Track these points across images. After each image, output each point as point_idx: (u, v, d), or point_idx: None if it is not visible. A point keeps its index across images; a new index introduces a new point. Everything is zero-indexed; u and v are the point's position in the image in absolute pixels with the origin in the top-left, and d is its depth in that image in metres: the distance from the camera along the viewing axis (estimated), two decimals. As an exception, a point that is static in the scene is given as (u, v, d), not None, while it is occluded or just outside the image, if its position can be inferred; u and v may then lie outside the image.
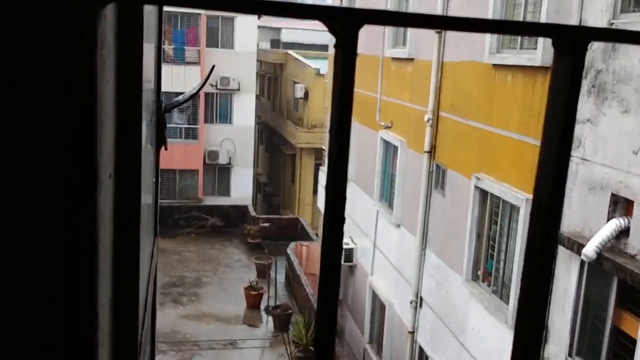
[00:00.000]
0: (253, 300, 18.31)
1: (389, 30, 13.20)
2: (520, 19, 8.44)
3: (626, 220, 6.31)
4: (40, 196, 0.58)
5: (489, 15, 8.92)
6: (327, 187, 0.57)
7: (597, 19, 6.77)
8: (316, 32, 36.58)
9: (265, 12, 0.57)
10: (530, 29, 0.73)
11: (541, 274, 0.62)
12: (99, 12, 0.58)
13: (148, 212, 1.73)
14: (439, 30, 10.63)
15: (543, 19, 7.62)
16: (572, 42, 0.63)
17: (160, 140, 1.84)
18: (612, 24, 6.57)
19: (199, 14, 26.66)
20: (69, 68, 0.55)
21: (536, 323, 0.61)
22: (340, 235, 0.58)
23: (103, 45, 0.63)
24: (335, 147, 0.59)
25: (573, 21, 7.07)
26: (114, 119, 0.81)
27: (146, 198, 1.65)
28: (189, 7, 0.57)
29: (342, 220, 0.59)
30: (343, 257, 15.42)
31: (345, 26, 0.59)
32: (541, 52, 7.60)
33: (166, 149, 1.93)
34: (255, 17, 28.07)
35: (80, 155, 0.58)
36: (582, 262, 6.85)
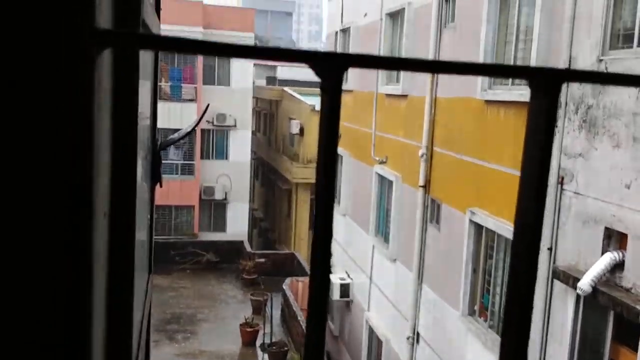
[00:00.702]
0: (249, 337, 18.11)
1: (382, 66, 13.37)
2: (511, 56, 8.58)
3: (620, 254, 6.32)
4: (34, 236, 0.59)
5: (481, 53, 9.06)
6: (316, 216, 0.59)
7: (586, 55, 6.89)
8: (311, 70, 36.96)
9: (256, 57, 0.60)
10: (506, 71, 0.77)
11: (525, 298, 0.63)
12: (96, 57, 0.60)
13: (143, 249, 1.74)
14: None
15: (533, 56, 7.75)
16: (546, 83, 0.66)
17: (155, 177, 1.86)
18: (601, 60, 6.68)
19: (196, 51, 26.92)
20: (64, 113, 0.57)
21: (521, 346, 0.62)
22: (328, 262, 0.60)
23: (100, 89, 0.66)
24: (323, 187, 0.60)
25: (563, 58, 7.19)
26: (109, 159, 0.84)
27: (141, 235, 1.67)
28: (183, 53, 0.60)
29: (330, 237, 0.61)
30: (339, 292, 15.32)
31: (330, 69, 0.62)
32: (532, 87, 7.70)
33: (161, 186, 1.95)
34: (251, 54, 28.37)
35: (75, 195, 0.60)
36: (578, 296, 6.84)
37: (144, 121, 1.87)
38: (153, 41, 0.63)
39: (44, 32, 0.56)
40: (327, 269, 0.61)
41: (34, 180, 0.58)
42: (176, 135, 2.72)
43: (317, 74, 0.62)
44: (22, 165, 0.57)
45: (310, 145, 26.64)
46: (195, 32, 26.79)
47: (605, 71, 6.26)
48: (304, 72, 38.19)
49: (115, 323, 1.00)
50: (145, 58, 2.01)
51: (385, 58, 0.64)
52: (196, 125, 3.04)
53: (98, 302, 0.75)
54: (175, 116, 25.37)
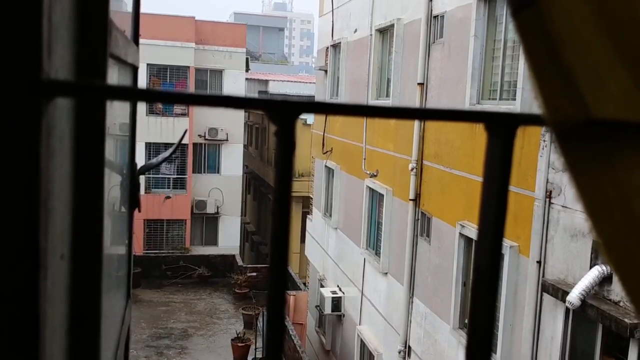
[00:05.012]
0: (240, 352, 18.02)
1: (373, 81, 13.43)
2: (499, 71, 8.63)
3: (608, 267, 6.34)
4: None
5: (469, 68, 9.12)
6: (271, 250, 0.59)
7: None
8: (302, 84, 37.12)
9: (217, 105, 0.61)
10: (462, 116, 0.77)
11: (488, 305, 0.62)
12: (44, 105, 0.60)
13: (120, 275, 1.73)
14: (421, 82, 10.86)
15: (520, 72, 7.80)
16: (501, 127, 0.67)
17: (133, 203, 1.86)
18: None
19: (188, 67, 27.02)
20: (6, 163, 0.56)
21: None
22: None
23: (51, 134, 0.65)
24: (278, 228, 0.60)
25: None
26: (70, 198, 0.83)
27: (117, 262, 1.66)
28: (137, 101, 0.60)
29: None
30: (331, 306, 15.27)
31: (283, 116, 0.63)
32: (520, 102, 7.76)
33: (139, 211, 1.95)
34: (243, 69, 28.48)
35: (25, 234, 0.59)
36: (567, 310, 6.85)
37: (121, 146, 1.86)
38: (105, 91, 0.63)
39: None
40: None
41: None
42: (154, 160, 2.73)
43: (271, 120, 0.62)
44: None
45: (301, 159, 26.67)
46: (188, 47, 26.85)
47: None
48: (296, 87, 38.35)
49: None
50: (125, 77, 2.00)
51: (336, 105, 0.64)
52: (174, 151, 3.04)
53: (55, 349, 0.74)
54: (167, 130, 25.39)
